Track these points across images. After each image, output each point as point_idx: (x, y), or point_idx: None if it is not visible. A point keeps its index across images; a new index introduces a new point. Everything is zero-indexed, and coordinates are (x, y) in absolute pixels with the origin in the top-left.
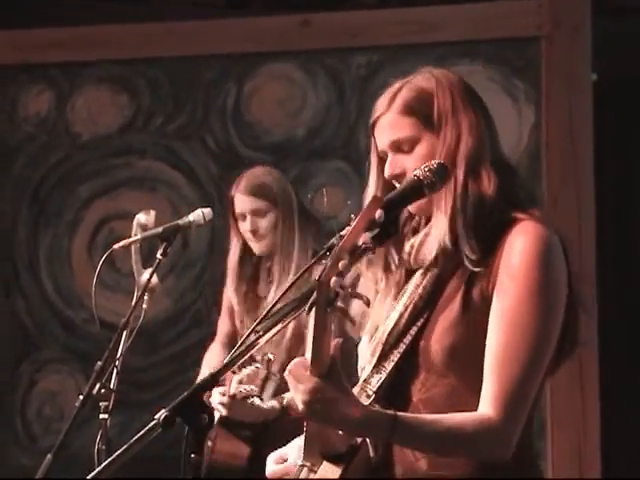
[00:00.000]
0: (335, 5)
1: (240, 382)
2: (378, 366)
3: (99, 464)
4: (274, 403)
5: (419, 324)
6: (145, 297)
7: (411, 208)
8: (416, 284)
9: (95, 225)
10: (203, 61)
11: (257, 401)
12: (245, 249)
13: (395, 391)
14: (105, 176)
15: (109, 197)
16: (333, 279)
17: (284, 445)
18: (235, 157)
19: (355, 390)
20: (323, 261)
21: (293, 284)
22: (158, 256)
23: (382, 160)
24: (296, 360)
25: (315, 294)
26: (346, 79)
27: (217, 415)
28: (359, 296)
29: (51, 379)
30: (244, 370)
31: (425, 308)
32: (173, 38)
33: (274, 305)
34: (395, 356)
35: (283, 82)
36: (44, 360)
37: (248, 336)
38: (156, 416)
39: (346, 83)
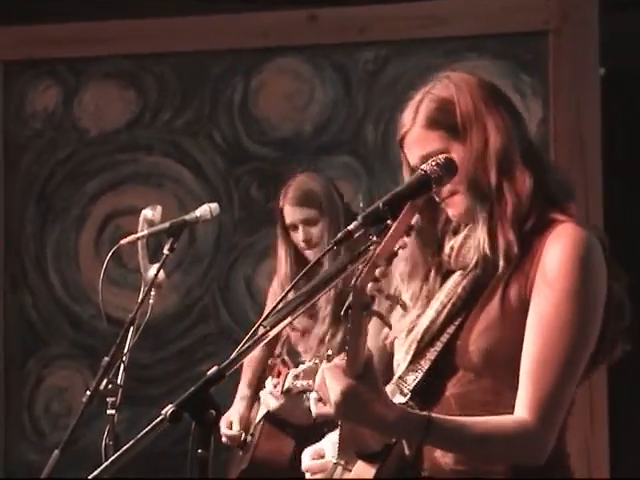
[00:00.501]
0: (342, 0)
1: (296, 377)
2: (414, 363)
3: (107, 459)
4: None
5: (457, 323)
6: (152, 293)
7: (450, 214)
8: (455, 283)
9: (102, 221)
10: (210, 56)
11: (312, 395)
12: (297, 258)
13: (430, 387)
14: (112, 172)
15: (116, 193)
16: (370, 284)
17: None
18: (242, 152)
19: (390, 387)
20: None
21: (300, 278)
22: (165, 251)
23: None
24: (333, 361)
25: (351, 298)
26: (353, 74)
27: (262, 408)
28: (395, 300)
29: (58, 375)
30: (301, 365)
31: (463, 308)
32: (180, 33)
33: (281, 299)
34: (432, 354)
35: (290, 77)
36: (51, 356)
37: (255, 330)
38: (163, 411)
39: (353, 78)
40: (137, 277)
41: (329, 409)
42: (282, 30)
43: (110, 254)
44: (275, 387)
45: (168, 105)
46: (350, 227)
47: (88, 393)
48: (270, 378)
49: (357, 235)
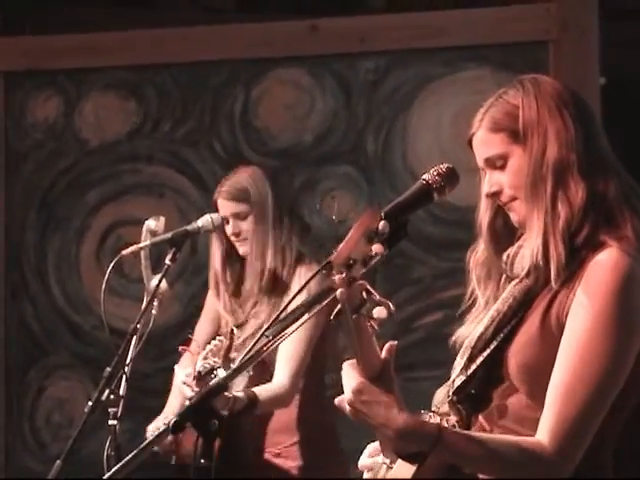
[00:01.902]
0: (343, 10)
1: (205, 358)
2: (465, 369)
3: (109, 470)
4: (241, 395)
5: (505, 332)
6: (154, 303)
7: (513, 220)
8: (510, 292)
9: (103, 231)
10: (211, 66)
11: (221, 372)
12: (232, 251)
13: (479, 394)
14: (113, 182)
15: (117, 203)
16: (357, 284)
17: (252, 438)
18: (243, 162)
19: (442, 389)
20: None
21: (296, 295)
22: (167, 262)
23: (484, 173)
24: (353, 360)
25: (340, 304)
26: (354, 84)
27: (182, 400)
28: (382, 303)
29: (60, 386)
30: (208, 346)
31: (512, 318)
32: (181, 44)
33: (283, 310)
34: (479, 360)
35: (291, 87)
36: (53, 366)
37: (258, 341)
38: (166, 422)
39: (354, 88)
40: (139, 287)
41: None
42: (283, 40)
43: (112, 264)
44: (187, 376)
45: (169, 115)
46: (372, 252)
47: (90, 403)
48: (178, 368)
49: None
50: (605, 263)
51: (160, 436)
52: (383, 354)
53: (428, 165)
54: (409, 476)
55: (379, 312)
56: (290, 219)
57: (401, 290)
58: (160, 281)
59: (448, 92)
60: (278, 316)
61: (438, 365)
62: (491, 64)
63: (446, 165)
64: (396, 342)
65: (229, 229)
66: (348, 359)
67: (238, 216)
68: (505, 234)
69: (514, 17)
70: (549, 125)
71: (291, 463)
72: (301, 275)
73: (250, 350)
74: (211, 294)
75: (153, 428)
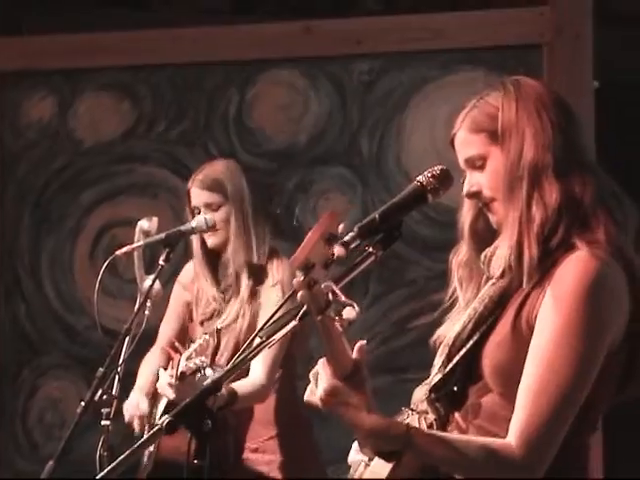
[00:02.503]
0: (338, 12)
1: (189, 358)
2: (443, 366)
3: (101, 470)
4: (222, 390)
5: (481, 331)
6: (147, 304)
7: (491, 220)
8: (486, 292)
9: (97, 231)
10: (205, 68)
11: (209, 371)
12: (203, 244)
13: (457, 393)
14: (107, 182)
15: (111, 204)
16: (324, 285)
17: (229, 437)
18: (237, 163)
19: (422, 387)
20: None
21: (288, 298)
22: (161, 262)
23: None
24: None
25: (305, 305)
26: (348, 86)
27: (163, 401)
28: (347, 304)
29: (52, 386)
30: (192, 345)
31: (489, 317)
32: (175, 45)
33: (277, 311)
34: (456, 358)
35: (285, 89)
36: (46, 366)
37: (252, 341)
38: (159, 421)
39: (348, 90)
40: (132, 288)
41: (316, 401)
42: (277, 42)
43: (105, 264)
44: (171, 377)
45: (163, 116)
46: (346, 238)
47: (83, 404)
48: (162, 370)
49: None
50: (574, 266)
51: (153, 436)
52: (354, 354)
53: (422, 167)
54: (385, 473)
55: (348, 313)
56: (265, 215)
57: (395, 291)
58: (154, 282)
59: (442, 94)
60: (272, 317)
61: (432, 367)
62: (485, 67)
63: (440, 167)
64: (365, 342)
65: None
66: (219, 331)
67: (210, 206)
68: (487, 235)
69: (509, 20)
70: (527, 127)
71: (269, 457)
72: (274, 270)
73: (243, 351)
74: (177, 288)
75: (128, 405)
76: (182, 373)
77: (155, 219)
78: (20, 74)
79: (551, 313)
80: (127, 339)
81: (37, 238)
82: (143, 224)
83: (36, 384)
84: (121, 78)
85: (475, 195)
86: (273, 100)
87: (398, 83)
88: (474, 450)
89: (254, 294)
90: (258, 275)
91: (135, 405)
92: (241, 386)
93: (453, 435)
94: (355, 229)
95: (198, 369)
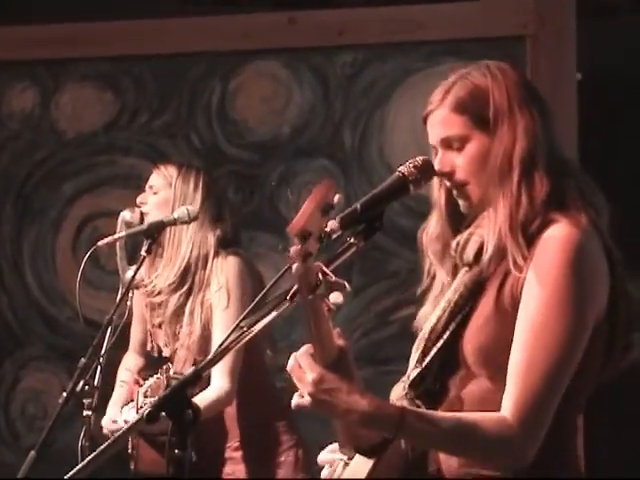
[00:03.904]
0: (321, 3)
1: (145, 395)
2: (420, 361)
3: (83, 461)
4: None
5: (457, 321)
6: (129, 294)
7: (460, 204)
8: (460, 281)
9: (79, 223)
10: (188, 59)
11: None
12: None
13: (437, 387)
14: (90, 173)
15: (93, 195)
16: (314, 264)
17: (205, 446)
18: (219, 155)
19: (400, 385)
20: None
21: (272, 285)
22: (142, 253)
23: (436, 151)
24: (302, 349)
25: (297, 283)
26: (331, 77)
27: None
28: (339, 284)
29: (35, 377)
30: (146, 382)
31: (464, 306)
32: (158, 35)
33: (258, 300)
34: (433, 351)
35: (268, 80)
36: (27, 358)
37: (232, 332)
38: (141, 411)
39: (331, 81)
40: (114, 279)
41: (306, 401)
42: (261, 33)
43: (87, 255)
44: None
45: (146, 107)
46: (327, 229)
47: (64, 395)
48: (126, 408)
49: (335, 237)
50: (555, 239)
51: (134, 426)
52: (338, 340)
53: (405, 159)
54: (366, 470)
55: (335, 297)
56: (218, 213)
57: (377, 283)
58: (136, 273)
59: (426, 86)
60: (253, 308)
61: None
62: (469, 59)
63: (422, 158)
64: (338, 329)
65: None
66: (168, 370)
67: (151, 188)
68: (460, 212)
69: (492, 12)
70: (519, 118)
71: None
72: (218, 268)
73: (225, 341)
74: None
75: (106, 421)
76: (141, 408)
77: (138, 210)
78: (2, 64)
79: (536, 286)
80: (109, 330)
81: (19, 229)
82: (125, 215)
83: (18, 375)
84: (104, 69)
85: (446, 175)
86: (256, 91)
87: (381, 75)
88: (469, 425)
89: (200, 290)
90: (198, 275)
91: (111, 421)
92: (204, 399)
93: (447, 413)
94: (336, 219)
95: None
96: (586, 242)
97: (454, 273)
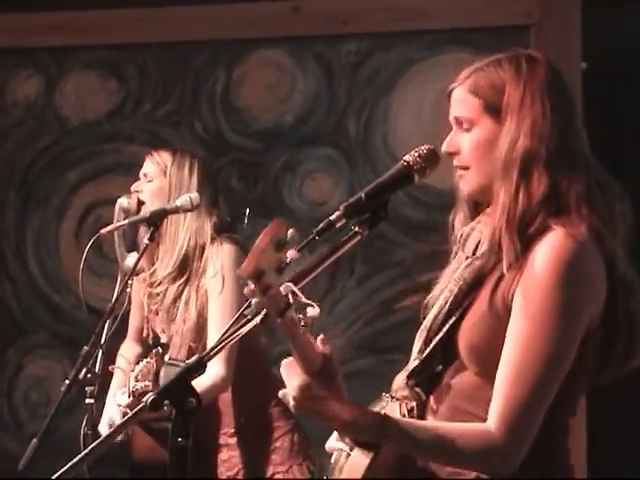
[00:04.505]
0: None
1: (136, 379)
2: (421, 351)
3: (85, 448)
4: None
5: (457, 315)
6: (130, 282)
7: (462, 189)
8: (461, 274)
9: (83, 210)
10: (192, 47)
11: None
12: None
13: (434, 376)
14: (93, 161)
15: (97, 182)
16: (283, 287)
17: (200, 433)
18: (223, 143)
19: (402, 374)
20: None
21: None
22: (145, 241)
23: (451, 128)
24: (291, 358)
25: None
26: (336, 66)
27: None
28: (307, 305)
29: (38, 364)
30: (137, 367)
31: (464, 299)
32: (163, 23)
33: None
34: (434, 342)
35: (272, 68)
36: (31, 345)
37: (237, 320)
38: (144, 399)
39: (335, 70)
40: (117, 267)
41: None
42: (265, 21)
43: (90, 243)
44: (123, 393)
45: (149, 95)
46: (332, 217)
47: (67, 382)
48: (120, 391)
49: (339, 225)
50: (549, 246)
51: (137, 414)
52: (320, 348)
53: (409, 148)
54: (366, 463)
55: (312, 311)
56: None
57: (381, 273)
58: (138, 261)
59: (430, 75)
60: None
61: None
62: (473, 48)
63: (427, 146)
64: (322, 335)
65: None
66: (158, 353)
67: (146, 176)
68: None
69: (496, 1)
70: (528, 114)
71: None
72: (213, 255)
73: (229, 329)
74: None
75: (104, 421)
76: (133, 392)
77: (134, 196)
78: (6, 52)
79: (527, 293)
80: (110, 318)
81: (23, 217)
82: (123, 202)
83: (21, 363)
84: (108, 57)
85: (451, 155)
86: (260, 80)
87: (385, 64)
88: (454, 435)
89: (196, 278)
90: (201, 258)
91: (109, 421)
92: (199, 385)
93: (431, 422)
94: (341, 208)
95: (145, 393)
96: (581, 255)
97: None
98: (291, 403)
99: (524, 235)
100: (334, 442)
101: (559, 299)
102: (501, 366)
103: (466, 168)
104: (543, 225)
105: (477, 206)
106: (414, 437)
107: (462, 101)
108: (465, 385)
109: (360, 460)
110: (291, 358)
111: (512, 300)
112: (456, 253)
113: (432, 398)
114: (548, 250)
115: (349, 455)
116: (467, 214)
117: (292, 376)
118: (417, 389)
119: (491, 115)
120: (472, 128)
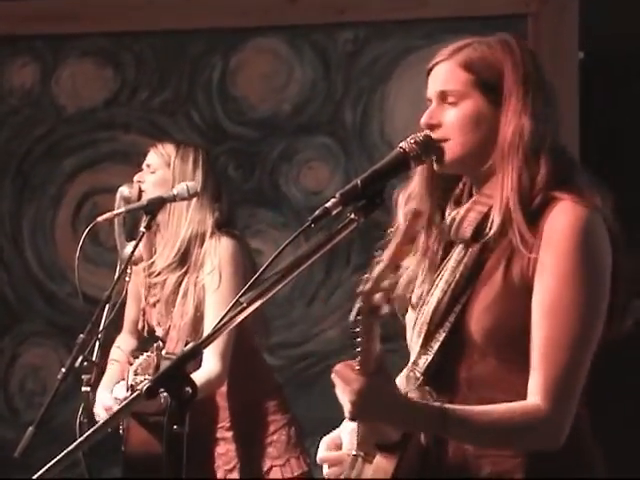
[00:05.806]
0: None
1: (136, 373)
2: (425, 346)
3: (81, 437)
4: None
5: (462, 302)
6: (128, 271)
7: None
8: (457, 260)
9: (79, 199)
10: (189, 35)
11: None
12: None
13: (442, 371)
14: (89, 150)
15: (93, 171)
16: (377, 296)
17: (197, 427)
18: (220, 132)
19: (404, 373)
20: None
21: (273, 260)
22: (142, 229)
23: (430, 103)
24: (343, 363)
25: (361, 303)
26: (332, 55)
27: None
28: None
29: (34, 353)
30: (137, 360)
31: (467, 286)
32: (159, 12)
33: (258, 276)
34: (441, 335)
35: (269, 57)
36: (27, 334)
37: (232, 308)
38: (139, 387)
39: (332, 59)
40: (114, 256)
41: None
42: (262, 10)
43: (87, 231)
44: (122, 386)
45: (146, 84)
46: (327, 204)
47: (63, 370)
48: (119, 384)
49: (335, 213)
50: (563, 216)
51: (133, 401)
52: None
53: (406, 137)
54: (391, 467)
55: (385, 309)
56: (211, 195)
57: None
58: (134, 249)
59: (427, 64)
60: (252, 283)
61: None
62: (470, 36)
63: (424, 133)
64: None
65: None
66: (158, 347)
67: (149, 167)
68: (438, 178)
69: None
70: (531, 100)
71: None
72: (211, 250)
73: (224, 316)
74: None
75: (97, 407)
76: (132, 386)
77: (136, 186)
78: (2, 40)
79: (550, 268)
80: (107, 306)
81: (19, 205)
82: (124, 191)
83: (17, 351)
84: (104, 45)
85: (430, 127)
86: (257, 68)
87: (382, 52)
88: (507, 415)
89: (195, 270)
90: (200, 250)
91: (101, 406)
92: (197, 378)
93: (481, 408)
94: (337, 195)
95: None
96: (593, 218)
97: (445, 250)
98: (349, 408)
99: (528, 210)
100: (329, 453)
101: (582, 266)
102: (534, 341)
103: (445, 140)
104: (545, 198)
105: (444, 184)
106: (472, 425)
107: (450, 75)
108: (486, 375)
109: (384, 466)
110: (342, 363)
111: (532, 275)
112: (409, 235)
113: (452, 394)
114: (564, 219)
115: (366, 461)
116: (426, 192)
117: (350, 381)
118: (427, 387)
119: (484, 92)
120: (460, 102)
